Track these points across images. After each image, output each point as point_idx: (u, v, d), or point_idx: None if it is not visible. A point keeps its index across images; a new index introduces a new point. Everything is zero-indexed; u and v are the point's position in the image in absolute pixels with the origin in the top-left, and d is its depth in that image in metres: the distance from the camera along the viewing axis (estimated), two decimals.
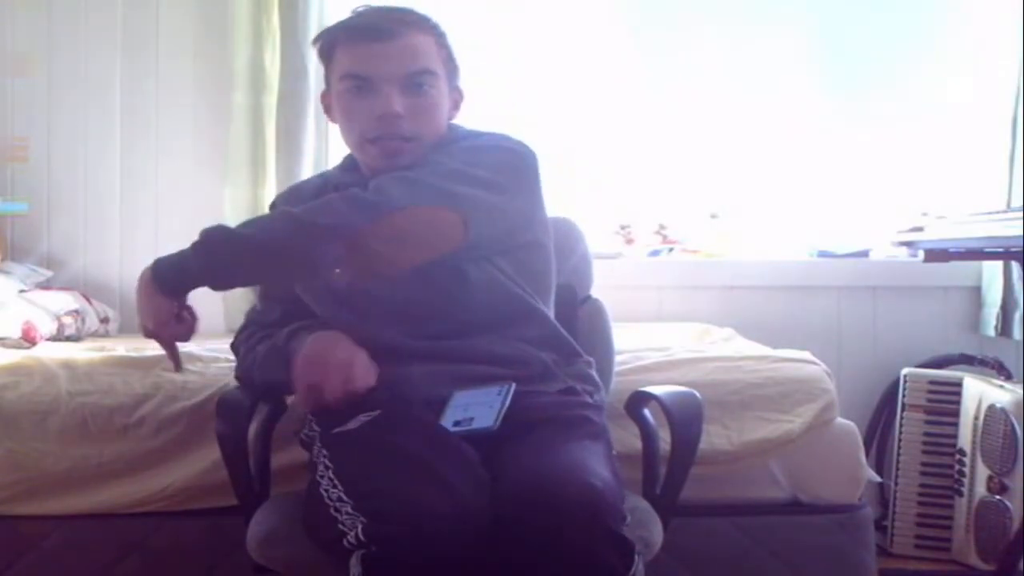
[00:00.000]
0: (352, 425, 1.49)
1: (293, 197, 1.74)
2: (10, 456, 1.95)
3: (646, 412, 1.70)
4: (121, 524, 1.97)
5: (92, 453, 1.97)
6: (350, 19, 1.67)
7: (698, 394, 1.64)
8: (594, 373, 1.70)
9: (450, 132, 1.70)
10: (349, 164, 1.75)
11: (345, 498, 1.33)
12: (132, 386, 2.01)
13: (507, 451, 1.41)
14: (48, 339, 2.51)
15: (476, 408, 1.48)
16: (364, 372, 1.52)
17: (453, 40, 1.70)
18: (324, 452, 1.45)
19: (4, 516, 1.96)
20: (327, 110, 1.73)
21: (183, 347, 1.68)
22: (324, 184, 1.73)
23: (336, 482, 1.36)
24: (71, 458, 1.96)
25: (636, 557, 1.31)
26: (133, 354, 2.16)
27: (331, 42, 1.67)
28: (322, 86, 1.71)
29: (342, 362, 1.51)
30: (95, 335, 2.78)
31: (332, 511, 1.33)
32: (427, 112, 1.63)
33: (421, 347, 1.58)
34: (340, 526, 1.30)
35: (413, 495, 1.29)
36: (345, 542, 1.29)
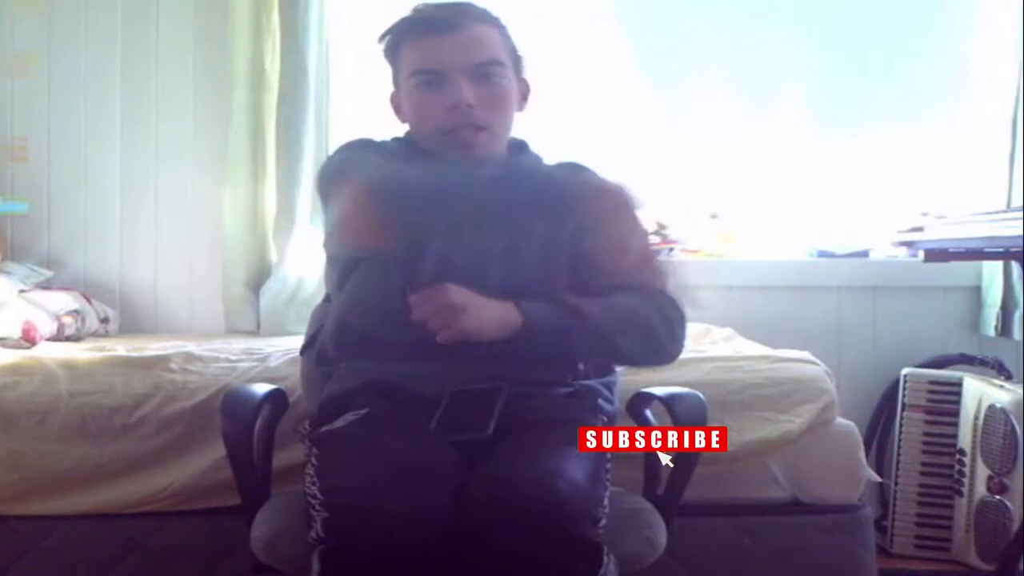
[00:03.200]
0: (339, 423, 1.49)
1: (370, 148, 1.65)
2: (10, 456, 1.95)
3: (648, 413, 1.69)
4: (121, 524, 1.97)
5: (92, 453, 1.97)
6: (412, 15, 1.63)
7: (702, 395, 1.64)
8: (601, 384, 1.68)
9: (523, 150, 1.69)
10: (406, 140, 1.69)
11: (319, 494, 1.33)
12: (132, 386, 2.01)
13: (488, 454, 1.40)
14: (48, 339, 2.51)
15: (469, 411, 1.46)
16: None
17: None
18: (313, 450, 1.46)
19: (4, 516, 1.96)
20: (396, 111, 1.69)
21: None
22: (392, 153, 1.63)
23: (315, 478, 1.37)
24: (71, 458, 1.96)
25: (605, 558, 1.29)
26: (133, 354, 2.16)
27: (396, 40, 1.63)
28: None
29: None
30: (95, 335, 2.77)
31: (312, 508, 1.33)
32: (498, 102, 1.61)
33: (421, 345, 1.57)
34: (313, 521, 1.31)
35: (376, 492, 1.28)
36: (309, 537, 1.29)
